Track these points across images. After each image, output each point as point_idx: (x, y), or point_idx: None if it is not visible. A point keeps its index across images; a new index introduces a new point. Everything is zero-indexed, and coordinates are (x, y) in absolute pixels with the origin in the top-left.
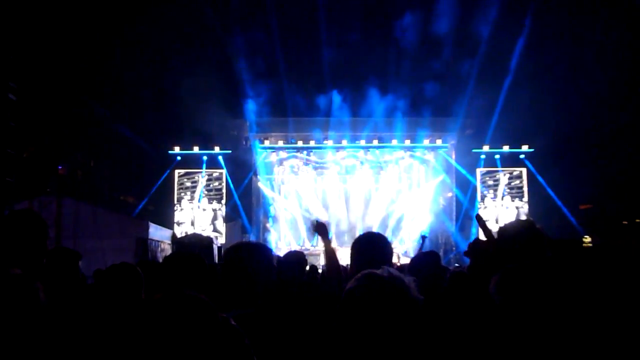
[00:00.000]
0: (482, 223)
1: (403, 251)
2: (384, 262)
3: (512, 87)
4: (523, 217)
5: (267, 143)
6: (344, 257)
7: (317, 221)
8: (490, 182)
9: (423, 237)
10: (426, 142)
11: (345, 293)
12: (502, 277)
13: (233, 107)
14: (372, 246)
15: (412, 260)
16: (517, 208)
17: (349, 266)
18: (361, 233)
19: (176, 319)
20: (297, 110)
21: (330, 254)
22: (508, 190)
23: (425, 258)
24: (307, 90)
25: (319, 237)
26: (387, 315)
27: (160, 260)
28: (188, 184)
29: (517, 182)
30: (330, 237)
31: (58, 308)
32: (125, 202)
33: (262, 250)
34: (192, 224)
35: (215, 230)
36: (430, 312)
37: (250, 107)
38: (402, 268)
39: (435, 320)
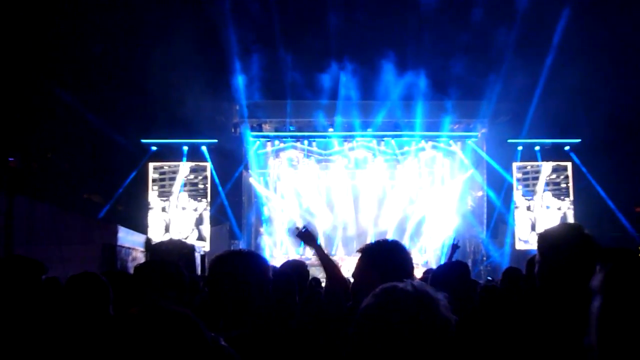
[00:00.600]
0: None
1: (423, 261)
2: (403, 277)
3: (556, 64)
4: (569, 221)
5: (260, 131)
6: (352, 269)
7: (299, 229)
8: (529, 179)
9: (454, 247)
10: (452, 130)
11: (361, 313)
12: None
13: (219, 86)
14: (388, 256)
15: (435, 271)
16: (560, 210)
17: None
18: (373, 240)
19: (155, 339)
20: (297, 91)
21: (327, 263)
22: (550, 189)
23: (452, 269)
24: (309, 66)
25: (307, 246)
26: (414, 339)
27: (131, 270)
28: (165, 180)
29: (561, 179)
30: (318, 242)
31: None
32: (90, 202)
33: (256, 260)
34: (169, 228)
35: (198, 235)
36: (460, 334)
37: (240, 86)
38: (426, 279)
39: (465, 344)
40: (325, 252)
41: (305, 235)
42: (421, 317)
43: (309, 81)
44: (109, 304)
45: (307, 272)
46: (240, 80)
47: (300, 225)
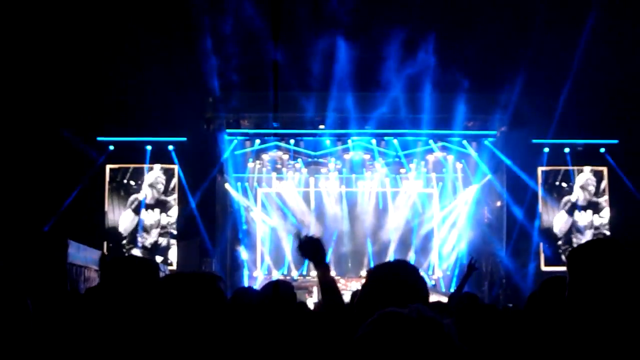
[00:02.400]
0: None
1: (431, 283)
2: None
3: (590, 52)
4: (604, 235)
5: (238, 128)
6: (346, 292)
7: (303, 236)
8: (557, 187)
9: (470, 268)
10: (466, 128)
11: (356, 342)
12: None
13: (188, 73)
14: (399, 279)
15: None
16: (594, 222)
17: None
18: (372, 257)
19: None
20: (281, 80)
21: (329, 287)
22: (582, 198)
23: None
24: (296, 50)
25: (310, 263)
26: None
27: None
28: (124, 186)
29: (596, 185)
30: (327, 261)
31: None
32: (34, 211)
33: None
34: (129, 242)
35: (163, 251)
36: None
37: (214, 74)
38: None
39: None
40: (315, 272)
41: (312, 248)
42: (428, 347)
43: (296, 68)
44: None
45: (294, 295)
46: (214, 66)
47: (311, 231)
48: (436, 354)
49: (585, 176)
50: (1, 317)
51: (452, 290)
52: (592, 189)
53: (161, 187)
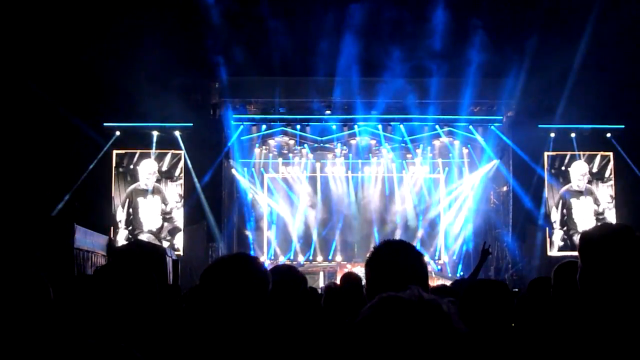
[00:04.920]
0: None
1: (437, 268)
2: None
3: (596, 36)
4: (610, 220)
5: (244, 113)
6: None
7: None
8: (563, 172)
9: (485, 253)
10: (472, 113)
11: (355, 327)
12: None
13: (194, 59)
14: (398, 260)
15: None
16: (600, 207)
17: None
18: (378, 242)
19: None
20: (287, 65)
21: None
22: (589, 183)
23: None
24: (302, 35)
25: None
26: (418, 357)
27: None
28: (131, 171)
29: (602, 171)
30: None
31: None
32: (41, 196)
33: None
34: (136, 227)
35: (170, 237)
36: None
37: (220, 59)
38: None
39: None
40: (321, 257)
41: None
42: (429, 331)
43: (302, 53)
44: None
45: (304, 280)
46: (219, 52)
47: None
48: (436, 336)
49: (591, 160)
50: (24, 302)
51: (458, 275)
52: (598, 173)
53: (167, 172)
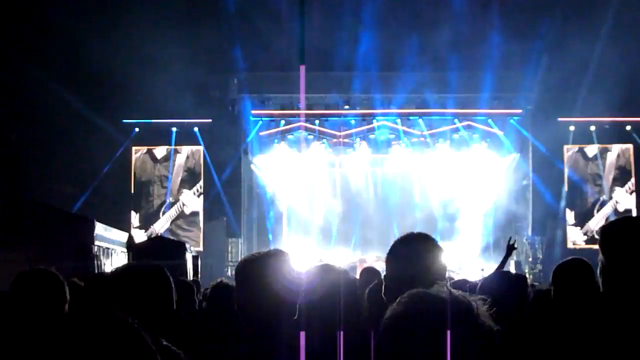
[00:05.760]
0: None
1: (457, 264)
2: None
3: (616, 27)
4: (631, 214)
5: (263, 109)
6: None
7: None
8: (583, 165)
9: (510, 248)
10: (491, 106)
11: (385, 324)
12: None
13: (213, 54)
14: (416, 254)
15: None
16: (621, 200)
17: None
18: (398, 237)
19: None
20: (307, 60)
21: None
22: (609, 176)
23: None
24: (321, 31)
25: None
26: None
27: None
28: (150, 167)
29: (623, 164)
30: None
31: None
32: (61, 193)
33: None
34: (156, 224)
35: (189, 232)
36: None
37: (239, 55)
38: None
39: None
40: (340, 252)
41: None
42: (459, 327)
43: (321, 49)
44: (64, 303)
45: (355, 282)
46: (239, 47)
47: None
48: (466, 333)
49: (611, 154)
50: (41, 302)
51: (480, 270)
52: (618, 166)
53: (186, 168)
